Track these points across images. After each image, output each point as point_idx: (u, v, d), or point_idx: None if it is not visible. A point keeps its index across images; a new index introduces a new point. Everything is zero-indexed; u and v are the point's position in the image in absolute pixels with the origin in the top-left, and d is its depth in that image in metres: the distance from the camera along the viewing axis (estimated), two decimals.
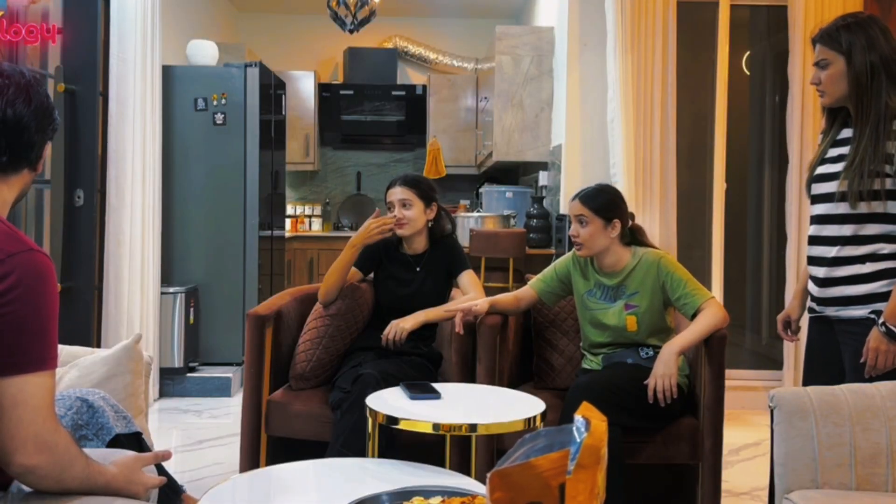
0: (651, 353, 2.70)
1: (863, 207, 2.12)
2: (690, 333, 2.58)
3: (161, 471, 2.02)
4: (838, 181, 2.17)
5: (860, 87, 2.14)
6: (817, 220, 2.26)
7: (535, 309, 3.05)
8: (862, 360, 2.12)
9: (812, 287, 2.29)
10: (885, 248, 2.13)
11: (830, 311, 2.23)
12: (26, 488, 1.48)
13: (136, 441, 1.96)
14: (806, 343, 2.38)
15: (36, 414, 1.35)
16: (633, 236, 2.81)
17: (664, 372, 2.51)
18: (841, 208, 2.18)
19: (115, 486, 1.54)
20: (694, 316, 2.63)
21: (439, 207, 3.04)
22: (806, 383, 2.31)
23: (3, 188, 1.53)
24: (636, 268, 2.72)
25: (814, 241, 2.27)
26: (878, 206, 2.12)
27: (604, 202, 2.71)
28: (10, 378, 1.32)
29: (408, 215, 2.94)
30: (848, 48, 2.15)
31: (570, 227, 2.78)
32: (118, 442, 1.90)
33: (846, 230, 2.17)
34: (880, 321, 2.08)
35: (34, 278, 1.37)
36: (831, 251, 2.20)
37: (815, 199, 2.27)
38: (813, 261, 2.27)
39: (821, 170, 2.26)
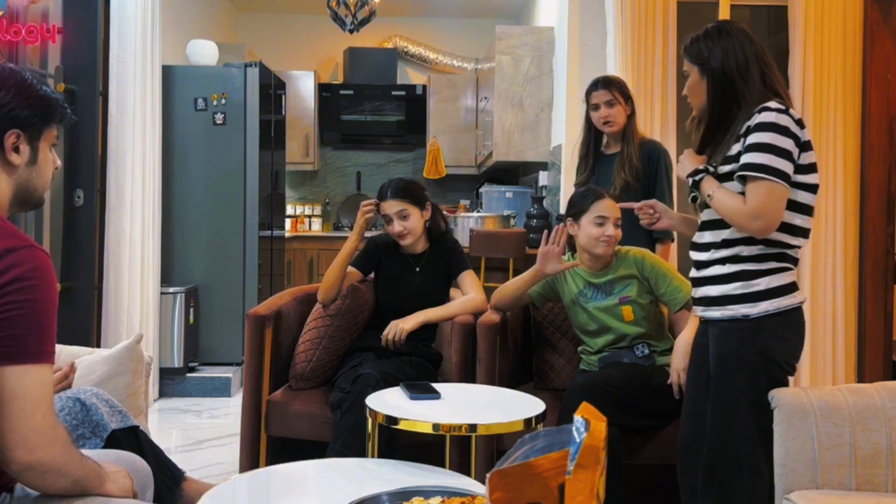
0: (646, 350, 2.73)
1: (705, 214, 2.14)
2: (695, 325, 2.58)
3: (161, 458, 2.02)
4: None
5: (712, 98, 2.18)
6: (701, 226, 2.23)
7: (535, 308, 3.06)
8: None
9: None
10: (745, 250, 2.07)
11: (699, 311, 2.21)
12: (31, 491, 1.46)
13: (133, 435, 1.95)
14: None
15: (37, 407, 1.32)
16: None
17: (686, 365, 2.48)
18: (707, 214, 2.17)
19: (107, 488, 1.53)
20: (680, 309, 2.70)
21: (433, 206, 3.05)
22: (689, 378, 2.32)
23: None
24: (621, 263, 2.79)
25: (693, 246, 2.24)
26: None
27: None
28: (5, 367, 1.29)
29: (407, 226, 2.95)
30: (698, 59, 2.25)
31: (602, 225, 2.74)
32: (114, 437, 1.90)
33: (710, 236, 2.15)
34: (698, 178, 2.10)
35: (33, 273, 1.36)
36: (704, 255, 2.17)
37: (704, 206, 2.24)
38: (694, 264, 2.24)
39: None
